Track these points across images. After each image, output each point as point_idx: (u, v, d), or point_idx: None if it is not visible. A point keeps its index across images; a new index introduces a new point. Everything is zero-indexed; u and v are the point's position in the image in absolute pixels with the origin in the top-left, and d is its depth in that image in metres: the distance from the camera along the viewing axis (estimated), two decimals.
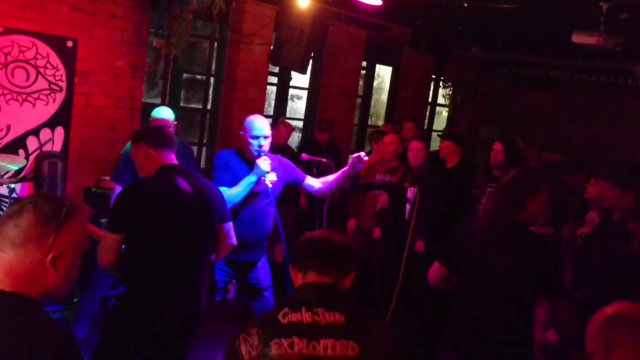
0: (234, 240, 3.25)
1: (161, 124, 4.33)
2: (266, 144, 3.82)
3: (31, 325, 1.53)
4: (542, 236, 3.41)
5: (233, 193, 3.69)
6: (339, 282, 1.99)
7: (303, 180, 4.06)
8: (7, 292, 1.56)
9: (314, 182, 4.09)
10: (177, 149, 3.20)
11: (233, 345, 1.89)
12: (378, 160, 5.64)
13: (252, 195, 3.78)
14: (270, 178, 3.79)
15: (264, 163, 3.76)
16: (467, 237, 2.96)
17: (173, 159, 3.02)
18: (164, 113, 4.62)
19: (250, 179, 3.74)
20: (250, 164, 3.82)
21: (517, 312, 2.79)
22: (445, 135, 5.87)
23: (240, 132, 3.89)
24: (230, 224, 3.20)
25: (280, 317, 1.87)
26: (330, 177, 4.07)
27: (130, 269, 2.89)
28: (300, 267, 2.02)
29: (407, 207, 4.98)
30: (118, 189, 4.36)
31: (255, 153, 3.80)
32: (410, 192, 4.99)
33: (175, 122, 4.65)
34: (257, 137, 3.79)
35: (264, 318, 1.94)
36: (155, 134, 3.06)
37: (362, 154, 3.93)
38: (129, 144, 3.49)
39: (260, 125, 3.82)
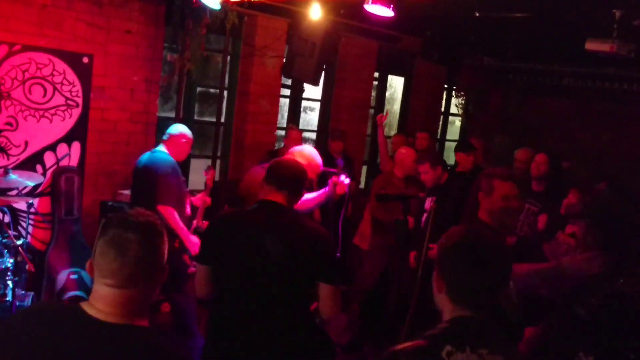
0: (332, 312, 2.63)
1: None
2: None
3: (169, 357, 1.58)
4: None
5: None
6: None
7: None
8: (137, 326, 1.58)
9: None
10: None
11: None
12: (392, 171, 5.64)
13: None
14: None
15: None
16: None
17: (275, 195, 2.66)
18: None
19: None
20: None
21: None
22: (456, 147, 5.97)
23: None
24: (330, 288, 2.58)
25: (444, 355, 1.63)
26: (309, 195, 3.75)
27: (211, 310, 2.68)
28: (451, 296, 1.77)
29: (424, 217, 4.97)
30: None
31: None
32: (428, 203, 4.97)
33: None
34: None
35: (419, 352, 1.65)
36: (277, 168, 2.74)
37: (342, 177, 3.71)
38: None
39: None
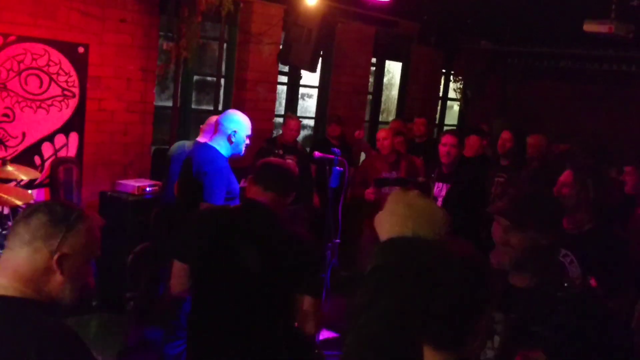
0: (312, 327, 2.52)
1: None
2: None
3: (38, 330, 1.54)
4: None
5: None
6: None
7: None
8: (13, 297, 1.56)
9: None
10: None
11: None
12: (376, 155, 5.62)
13: None
14: None
15: None
16: None
17: (261, 196, 2.55)
18: None
19: None
20: None
21: None
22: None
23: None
24: (311, 301, 2.45)
25: None
26: None
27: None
28: None
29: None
30: None
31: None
32: (437, 189, 4.85)
33: None
34: None
35: None
36: (265, 169, 2.63)
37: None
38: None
39: None
